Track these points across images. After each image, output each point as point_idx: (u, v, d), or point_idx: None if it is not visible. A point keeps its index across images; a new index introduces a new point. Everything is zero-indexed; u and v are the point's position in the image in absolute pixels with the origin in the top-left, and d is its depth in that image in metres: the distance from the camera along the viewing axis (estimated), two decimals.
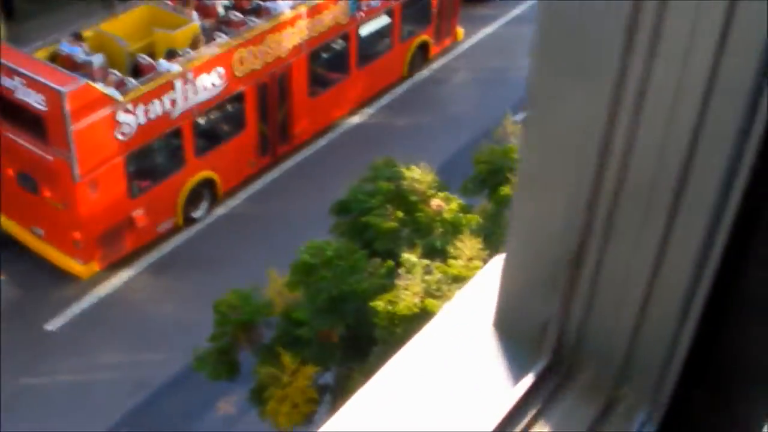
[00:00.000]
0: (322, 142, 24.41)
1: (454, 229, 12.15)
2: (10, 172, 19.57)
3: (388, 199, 12.69)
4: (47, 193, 18.96)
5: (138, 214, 19.67)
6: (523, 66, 27.24)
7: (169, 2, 22.01)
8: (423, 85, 27.24)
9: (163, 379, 17.60)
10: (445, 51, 28.36)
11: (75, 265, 19.29)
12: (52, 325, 18.83)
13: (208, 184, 21.33)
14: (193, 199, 21.06)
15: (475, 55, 28.89)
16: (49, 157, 18.49)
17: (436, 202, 12.64)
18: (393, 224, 12.33)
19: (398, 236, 12.23)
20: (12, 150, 19.19)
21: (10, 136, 19.07)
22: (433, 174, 13.69)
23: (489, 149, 14.47)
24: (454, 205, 12.60)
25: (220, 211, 21.93)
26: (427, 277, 10.88)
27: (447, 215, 12.39)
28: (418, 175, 13.28)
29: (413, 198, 12.71)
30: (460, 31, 28.70)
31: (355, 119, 25.37)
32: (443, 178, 14.61)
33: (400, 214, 12.51)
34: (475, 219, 12.54)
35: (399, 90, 26.73)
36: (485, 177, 14.09)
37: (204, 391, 16.65)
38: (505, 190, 13.12)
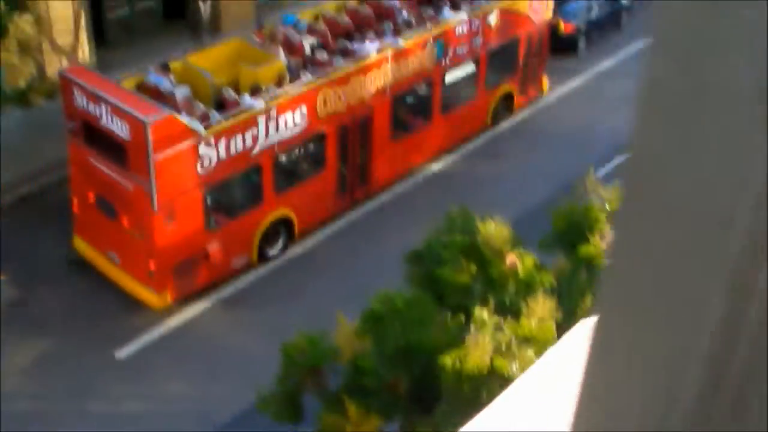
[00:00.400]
0: (400, 187, 24.41)
1: (527, 287, 12.00)
2: (90, 196, 19.91)
3: (462, 252, 12.57)
4: (125, 221, 19.21)
5: (213, 248, 19.77)
6: (606, 121, 27.16)
7: (257, 38, 22.27)
8: (505, 135, 27.16)
9: (227, 414, 17.62)
10: (530, 102, 28.29)
11: (148, 295, 19.46)
12: (123, 353, 19.01)
13: (285, 222, 21.41)
14: (269, 236, 21.15)
15: (559, 107, 28.75)
16: (129, 186, 18.76)
17: (510, 259, 12.49)
18: (465, 278, 12.21)
19: (470, 291, 12.11)
20: (94, 175, 19.52)
21: (93, 161, 19.41)
22: (509, 228, 13.54)
23: (569, 206, 14.25)
24: (528, 263, 12.44)
25: (296, 250, 21.98)
26: (497, 335, 10.75)
27: (521, 273, 12.25)
28: (493, 230, 13.15)
29: (487, 253, 12.58)
30: (547, 83, 28.65)
31: (436, 166, 25.36)
32: (520, 231, 14.43)
33: (474, 268, 12.38)
34: (549, 278, 12.37)
35: (481, 139, 26.68)
36: (563, 234, 13.90)
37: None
38: (583, 249, 12.90)
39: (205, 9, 26.39)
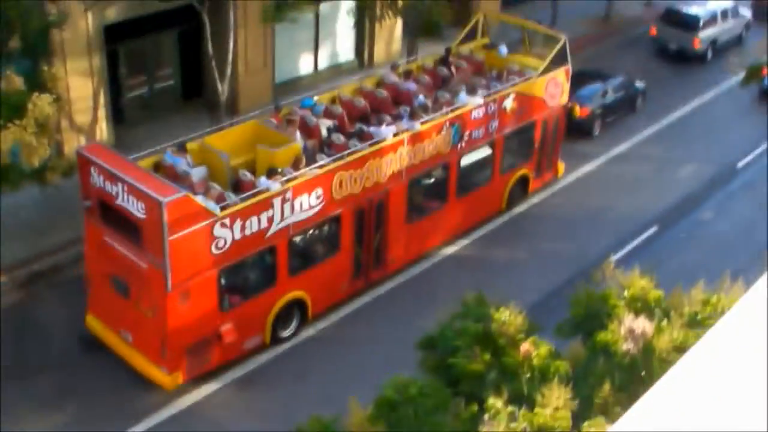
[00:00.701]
0: (415, 270, 24.41)
1: (542, 375, 11.95)
2: (104, 273, 19.95)
3: (475, 340, 12.54)
4: (138, 300, 19.23)
5: (226, 328, 19.75)
6: (621, 206, 27.29)
7: (274, 120, 22.49)
8: (520, 219, 27.23)
9: None
10: (545, 185, 28.41)
11: (160, 375, 19.39)
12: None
13: (299, 304, 21.40)
14: (283, 317, 21.14)
15: (574, 191, 28.90)
16: (144, 265, 18.79)
17: (524, 347, 12.45)
18: (479, 367, 12.17)
19: (484, 380, 12.07)
20: (108, 253, 19.58)
21: (108, 239, 19.49)
22: (524, 315, 13.53)
23: (586, 292, 14.26)
24: (543, 351, 12.38)
25: (309, 332, 21.94)
26: (512, 425, 10.67)
27: (535, 361, 12.21)
28: (507, 317, 13.14)
29: (501, 341, 12.55)
30: (562, 166, 28.79)
31: (450, 249, 25.35)
32: (536, 316, 14.41)
33: (487, 356, 12.34)
34: (564, 366, 12.32)
35: (496, 223, 26.75)
36: (581, 321, 13.87)
37: None
38: (601, 336, 12.83)
39: (223, 90, 26.77)
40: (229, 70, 26.34)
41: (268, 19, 25.85)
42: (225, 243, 19.01)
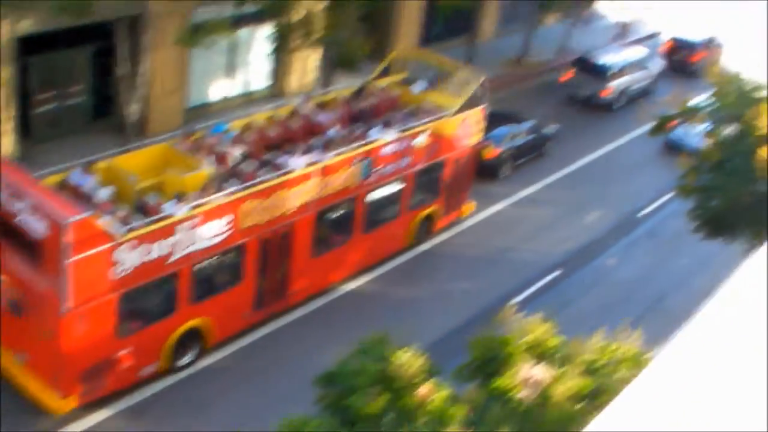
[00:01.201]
0: (316, 304, 24.25)
1: (439, 419, 11.95)
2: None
3: (374, 381, 12.51)
4: (34, 321, 18.75)
5: (124, 354, 19.41)
6: (525, 248, 27.57)
7: (185, 144, 22.26)
8: (424, 257, 27.32)
9: None
10: (452, 224, 28.53)
11: (52, 399, 18.91)
12: None
13: (199, 332, 21.13)
14: (182, 346, 20.83)
15: (480, 232, 29.14)
16: (41, 285, 18.37)
17: (423, 390, 12.46)
18: (377, 408, 12.12)
19: (381, 421, 12.03)
20: (5, 272, 19.07)
21: (6, 257, 18.99)
22: (424, 357, 13.52)
23: (486, 336, 14.32)
24: (442, 394, 12.41)
25: (207, 361, 21.63)
26: None
27: (433, 405, 12.19)
28: (407, 359, 13.14)
29: (400, 383, 12.53)
30: (471, 205, 28.97)
31: (352, 285, 25.25)
32: (435, 357, 14.43)
33: (386, 398, 12.31)
34: (462, 410, 12.34)
35: (399, 260, 26.76)
36: (480, 365, 13.92)
37: None
38: (499, 382, 12.89)
39: (133, 111, 26.42)
40: (141, 92, 26.06)
41: (183, 42, 25.60)
42: (127, 267, 18.68)
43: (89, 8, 23.07)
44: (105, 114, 29.49)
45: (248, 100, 32.85)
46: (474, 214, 29.46)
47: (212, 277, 21.33)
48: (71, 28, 25.82)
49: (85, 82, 29.29)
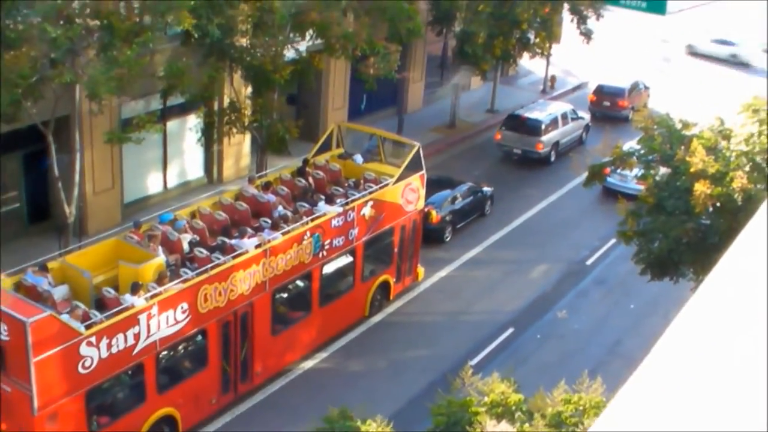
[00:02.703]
0: (274, 387, 24.75)
1: None
2: None
3: None
4: (4, 426, 19.13)
5: None
6: (476, 311, 28.45)
7: (135, 236, 23.03)
8: (376, 328, 28.05)
9: None
10: (405, 290, 29.54)
11: None
12: None
13: (169, 420, 21.68)
14: None
15: (429, 298, 30.01)
16: (8, 388, 18.81)
17: None
18: None
19: None
20: None
21: None
22: (390, 428, 14.16)
23: (447, 401, 14.70)
24: None
25: None
26: None
27: None
28: (375, 430, 13.70)
29: None
30: (421, 270, 30.03)
31: (309, 363, 25.82)
32: (398, 426, 14.97)
33: None
34: None
35: (352, 334, 27.45)
36: (443, 429, 14.29)
37: None
38: None
39: (70, 211, 26.83)
40: (76, 192, 26.48)
41: (113, 140, 26.41)
42: (92, 362, 19.23)
43: (17, 114, 23.74)
44: (41, 218, 30.08)
45: (185, 190, 33.66)
46: (421, 281, 30.37)
47: (177, 364, 22.02)
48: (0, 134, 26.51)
49: (18, 188, 29.90)
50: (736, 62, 61.12)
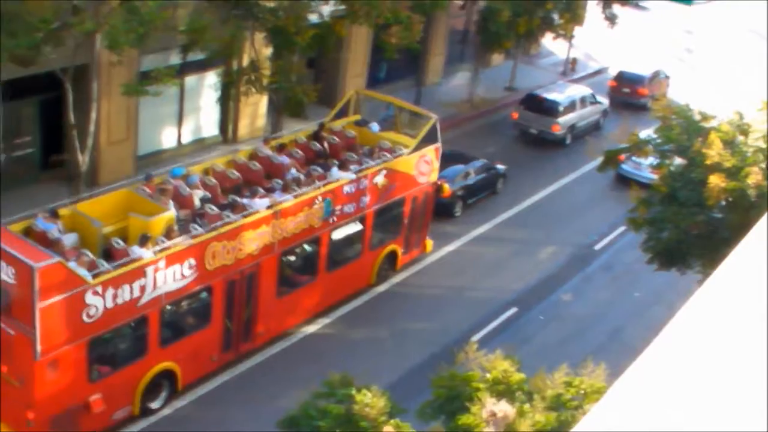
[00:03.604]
0: (275, 349, 24.88)
1: None
2: None
3: (338, 422, 13.02)
4: (4, 368, 19.27)
5: (95, 399, 20.01)
6: (481, 287, 28.54)
7: (147, 189, 23.10)
8: (381, 298, 28.15)
9: None
10: (412, 262, 29.63)
11: None
12: None
13: (169, 375, 21.84)
14: (153, 389, 21.52)
15: (436, 271, 30.08)
16: (11, 331, 18.90)
17: (387, 429, 13.06)
18: None
19: None
20: None
21: None
22: (386, 398, 14.14)
23: (449, 373, 14.69)
24: None
25: (179, 403, 22.32)
26: None
27: None
28: (369, 400, 13.63)
29: (363, 424, 13.06)
30: (430, 242, 30.11)
31: (312, 328, 25.96)
32: (396, 397, 15.09)
33: None
34: None
35: (357, 302, 27.58)
36: (443, 402, 14.34)
37: None
38: (463, 419, 13.30)
39: (83, 160, 26.93)
40: (90, 141, 26.62)
41: (130, 92, 26.45)
42: (96, 311, 19.35)
43: (35, 58, 23.78)
44: (54, 165, 30.26)
45: (199, 147, 33.73)
46: (430, 253, 30.49)
47: (181, 319, 22.14)
48: (17, 78, 26.52)
49: (33, 133, 29.99)
50: None
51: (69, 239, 20.73)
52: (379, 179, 26.35)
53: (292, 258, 24.89)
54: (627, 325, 27.92)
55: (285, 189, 24.13)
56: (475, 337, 25.05)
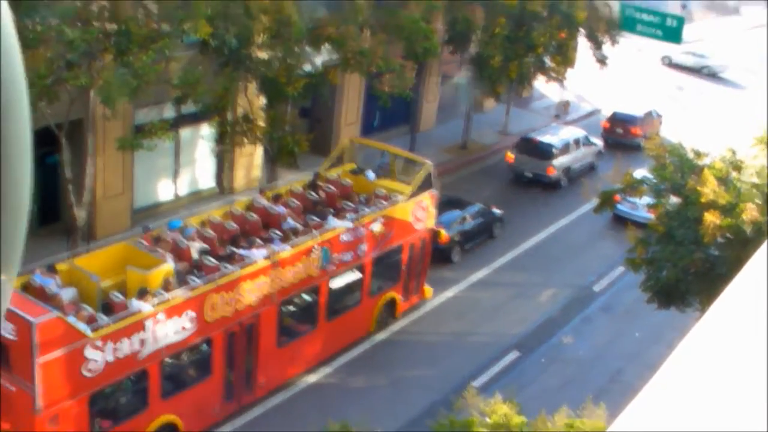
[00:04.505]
0: (277, 399, 24.83)
1: None
2: None
3: None
4: (6, 425, 19.26)
5: None
6: (481, 332, 28.56)
7: (144, 242, 23.24)
8: (381, 346, 28.16)
9: None
10: (412, 308, 29.67)
11: None
12: None
13: (171, 427, 21.80)
14: None
15: (435, 317, 30.10)
16: (12, 387, 18.94)
17: None
18: None
19: None
20: None
21: None
22: None
23: (449, 420, 14.77)
24: None
25: None
26: None
27: None
28: None
29: None
30: (429, 289, 30.19)
31: (312, 378, 25.94)
32: None
33: None
34: None
35: (357, 350, 27.56)
36: None
37: None
38: None
39: (80, 215, 27.03)
40: (87, 196, 26.72)
41: (125, 146, 26.60)
42: (96, 365, 19.40)
43: (32, 114, 23.89)
44: (51, 220, 30.28)
45: (196, 198, 33.82)
46: (429, 300, 30.51)
47: (182, 371, 22.16)
48: None
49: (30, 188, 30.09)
50: (708, 73, 64.61)
51: (67, 294, 20.78)
52: (377, 227, 26.46)
53: (292, 308, 24.96)
54: (628, 366, 27.89)
55: (282, 239, 24.22)
56: (476, 383, 25.03)
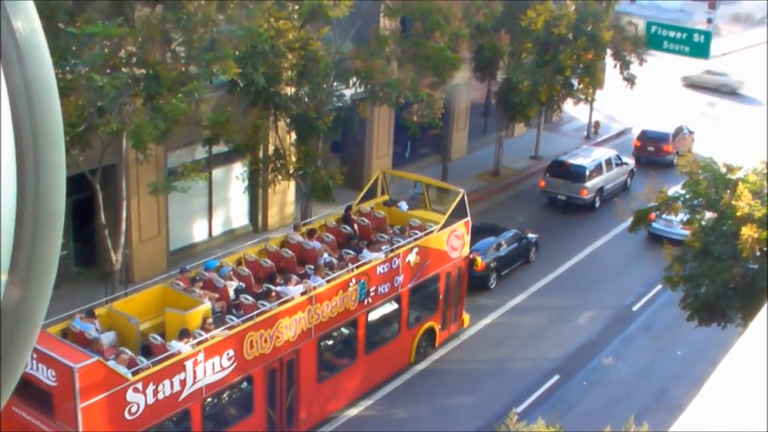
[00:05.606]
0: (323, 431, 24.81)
1: None
2: None
3: None
4: None
5: None
6: (521, 358, 28.39)
7: (181, 283, 23.34)
8: (422, 375, 28.03)
9: None
10: (451, 337, 29.55)
11: None
12: None
13: None
14: None
15: (474, 345, 29.97)
16: None
17: None
18: None
19: None
20: (18, 424, 19.67)
21: (16, 410, 19.67)
22: None
23: None
24: None
25: None
26: None
27: None
28: None
29: None
30: (466, 316, 30.06)
31: (353, 411, 25.86)
32: None
33: None
34: None
35: (397, 381, 27.45)
36: None
37: None
38: None
39: (117, 259, 27.17)
40: (122, 239, 26.87)
41: (158, 191, 26.73)
42: (138, 408, 19.42)
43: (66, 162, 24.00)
44: (88, 264, 30.54)
45: (230, 238, 33.98)
46: (467, 327, 30.41)
47: (223, 411, 22.19)
48: None
49: (66, 235, 30.28)
50: (726, 91, 62.96)
51: (107, 338, 20.88)
52: (412, 257, 26.40)
53: (330, 342, 24.91)
54: (672, 385, 27.61)
55: (318, 274, 24.21)
56: (518, 409, 24.80)
